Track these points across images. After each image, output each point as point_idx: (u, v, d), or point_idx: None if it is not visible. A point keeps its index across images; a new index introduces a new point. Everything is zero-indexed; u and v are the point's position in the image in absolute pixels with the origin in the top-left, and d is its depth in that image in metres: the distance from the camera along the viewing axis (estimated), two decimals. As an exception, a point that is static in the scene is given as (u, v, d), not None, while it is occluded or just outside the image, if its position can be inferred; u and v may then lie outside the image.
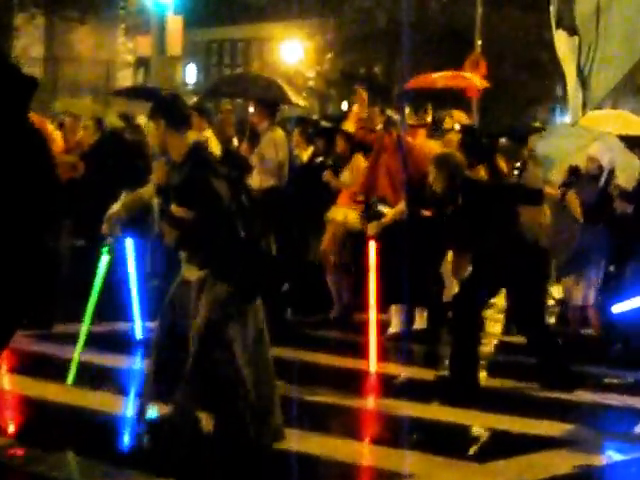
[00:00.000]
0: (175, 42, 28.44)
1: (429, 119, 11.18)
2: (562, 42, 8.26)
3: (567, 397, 8.39)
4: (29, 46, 29.67)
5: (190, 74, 47.52)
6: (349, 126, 11.76)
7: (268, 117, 11.46)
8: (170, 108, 6.00)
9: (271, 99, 12.20)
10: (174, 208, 5.84)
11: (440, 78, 13.79)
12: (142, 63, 29.79)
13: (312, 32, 39.22)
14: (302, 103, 14.62)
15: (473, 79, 14.13)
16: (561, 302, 11.59)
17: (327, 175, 11.32)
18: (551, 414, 7.83)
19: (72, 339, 8.05)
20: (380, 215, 10.27)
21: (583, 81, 7.93)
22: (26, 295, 5.07)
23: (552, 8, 8.36)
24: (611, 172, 10.13)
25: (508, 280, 8.64)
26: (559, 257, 10.51)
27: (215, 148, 11.16)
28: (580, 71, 7.94)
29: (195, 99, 13.35)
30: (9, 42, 28.52)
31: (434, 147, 10.68)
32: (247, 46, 51.85)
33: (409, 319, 10.56)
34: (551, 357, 8.64)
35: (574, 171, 10.36)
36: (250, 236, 5.89)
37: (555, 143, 10.32)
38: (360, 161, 11.36)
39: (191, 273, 6.04)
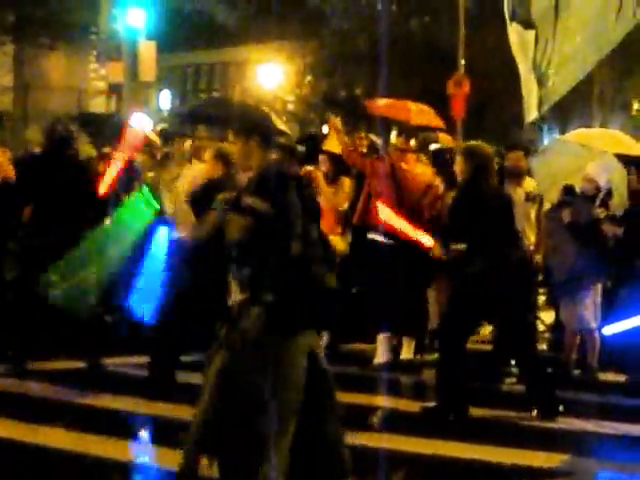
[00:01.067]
0: (148, 68, 27.86)
1: (412, 144, 10.95)
2: (516, 36, 7.82)
3: (560, 426, 8.18)
4: (-2, 74, 28.95)
5: (164, 100, 46.90)
6: (332, 147, 11.00)
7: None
8: (266, 127, 5.76)
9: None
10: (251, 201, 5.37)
11: (411, 113, 12.98)
12: (115, 90, 29.09)
13: (291, 55, 38.75)
14: (286, 129, 13.77)
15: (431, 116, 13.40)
16: (552, 327, 11.47)
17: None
18: (544, 444, 7.62)
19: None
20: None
21: (539, 78, 7.44)
22: None
23: (505, 0, 7.87)
24: (608, 193, 9.97)
25: (496, 304, 8.34)
26: (555, 278, 10.23)
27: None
28: (536, 67, 7.45)
29: (163, 124, 12.46)
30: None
31: (426, 171, 10.56)
32: (224, 70, 51.38)
33: (395, 349, 10.45)
34: (539, 384, 8.44)
35: (569, 191, 10.16)
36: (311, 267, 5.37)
37: (552, 162, 10.33)
38: (347, 184, 11.00)
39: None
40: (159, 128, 11.89)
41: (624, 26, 7.17)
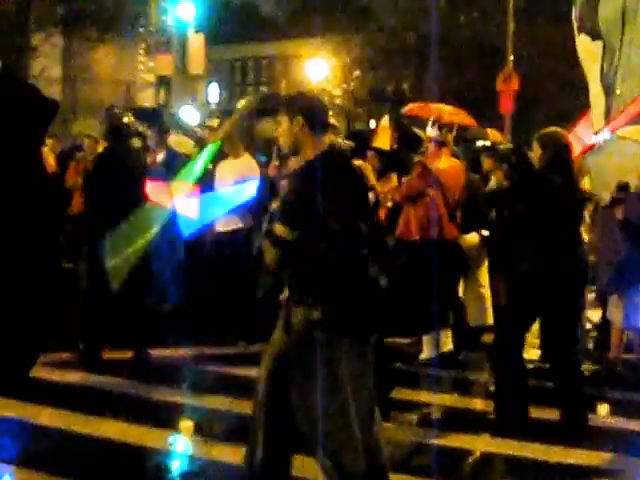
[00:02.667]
0: (197, 61, 27.99)
1: (450, 138, 10.65)
2: (584, 47, 7.72)
3: (606, 425, 8.08)
4: (47, 66, 29.03)
5: (213, 93, 46.96)
6: (381, 143, 10.94)
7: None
8: (310, 107, 5.44)
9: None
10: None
11: (443, 112, 12.88)
12: (163, 83, 29.18)
13: (338, 49, 38.64)
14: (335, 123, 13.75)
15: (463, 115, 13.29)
16: (598, 326, 11.26)
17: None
18: (590, 442, 7.45)
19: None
20: None
21: (607, 88, 7.29)
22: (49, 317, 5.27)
23: (574, 12, 7.76)
24: None
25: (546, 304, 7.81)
26: (603, 275, 10.11)
27: (256, 171, 10.71)
28: (604, 77, 7.31)
29: (211, 120, 12.42)
30: (27, 62, 27.95)
31: (458, 165, 10.31)
32: (271, 64, 51.42)
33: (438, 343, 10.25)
34: (571, 402, 7.82)
35: (623, 188, 10.05)
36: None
37: (607, 160, 10.27)
38: (395, 180, 10.74)
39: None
40: (208, 124, 11.79)
41: None
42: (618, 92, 7.56)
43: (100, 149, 11.72)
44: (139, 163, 9.93)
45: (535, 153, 7.88)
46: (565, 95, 34.06)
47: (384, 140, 11.01)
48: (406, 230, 10.04)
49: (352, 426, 5.06)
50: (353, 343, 5.13)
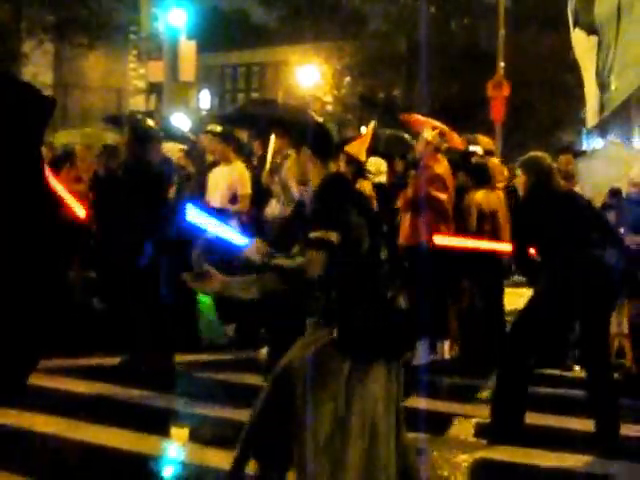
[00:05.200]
0: (188, 67, 27.93)
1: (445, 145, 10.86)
2: (579, 42, 7.70)
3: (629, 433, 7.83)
4: (38, 73, 28.95)
5: (204, 99, 46.99)
6: (356, 150, 10.85)
7: (289, 144, 10.64)
8: (318, 136, 5.40)
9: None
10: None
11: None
12: (154, 89, 29.12)
13: (329, 56, 38.66)
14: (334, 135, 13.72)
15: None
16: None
17: None
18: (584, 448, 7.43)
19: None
20: None
21: (602, 83, 7.28)
22: (46, 324, 5.15)
23: (569, 4, 7.73)
24: None
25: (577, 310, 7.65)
26: None
27: (247, 182, 10.72)
28: (599, 73, 7.30)
29: (213, 125, 12.37)
30: (18, 68, 27.91)
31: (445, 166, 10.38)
32: (262, 70, 51.43)
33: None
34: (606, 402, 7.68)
35: (615, 193, 10.08)
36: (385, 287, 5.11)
37: (597, 166, 10.18)
38: (367, 189, 10.39)
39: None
40: (209, 128, 11.73)
41: None
42: (613, 88, 7.52)
43: (91, 156, 11.75)
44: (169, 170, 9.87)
45: (519, 179, 7.94)
46: (556, 102, 34.15)
47: (360, 148, 10.87)
48: (413, 235, 10.13)
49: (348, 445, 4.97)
50: (373, 364, 5.04)
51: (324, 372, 4.99)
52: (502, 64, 26.15)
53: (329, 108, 37.71)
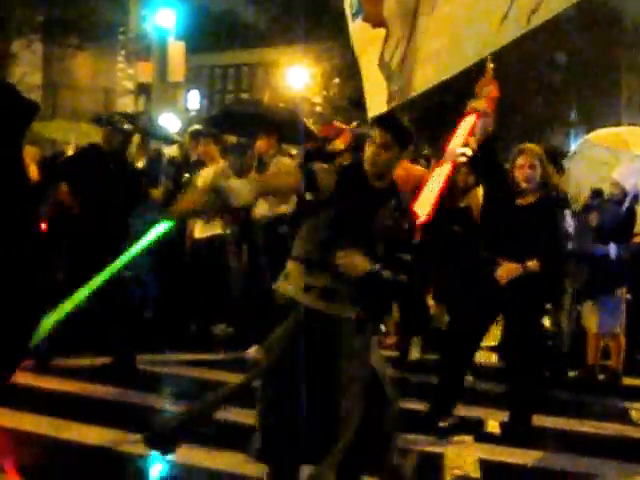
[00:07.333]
0: (177, 68, 27.96)
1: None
2: (360, 33, 7.71)
3: (587, 430, 8.05)
4: (27, 73, 28.96)
5: (193, 100, 46.94)
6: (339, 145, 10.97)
7: (276, 145, 10.70)
8: (404, 133, 5.37)
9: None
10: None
11: None
12: (143, 90, 29.15)
13: (319, 57, 38.64)
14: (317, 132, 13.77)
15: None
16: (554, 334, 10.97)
17: None
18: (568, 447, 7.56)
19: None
20: None
21: (388, 75, 7.29)
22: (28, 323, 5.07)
23: None
24: (635, 196, 9.88)
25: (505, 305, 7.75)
26: (578, 282, 10.14)
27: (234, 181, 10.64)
28: (384, 64, 7.32)
29: (197, 125, 12.42)
30: (7, 69, 27.89)
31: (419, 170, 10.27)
32: (252, 71, 51.38)
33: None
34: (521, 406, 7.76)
35: (597, 194, 10.15)
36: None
37: (580, 168, 10.46)
38: None
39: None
40: (191, 129, 11.82)
41: (512, 30, 7.01)
42: (404, 80, 7.52)
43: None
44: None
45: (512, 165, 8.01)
46: (545, 104, 34.21)
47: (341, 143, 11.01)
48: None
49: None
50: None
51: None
52: (491, 65, 26.15)
53: (318, 109, 37.74)
